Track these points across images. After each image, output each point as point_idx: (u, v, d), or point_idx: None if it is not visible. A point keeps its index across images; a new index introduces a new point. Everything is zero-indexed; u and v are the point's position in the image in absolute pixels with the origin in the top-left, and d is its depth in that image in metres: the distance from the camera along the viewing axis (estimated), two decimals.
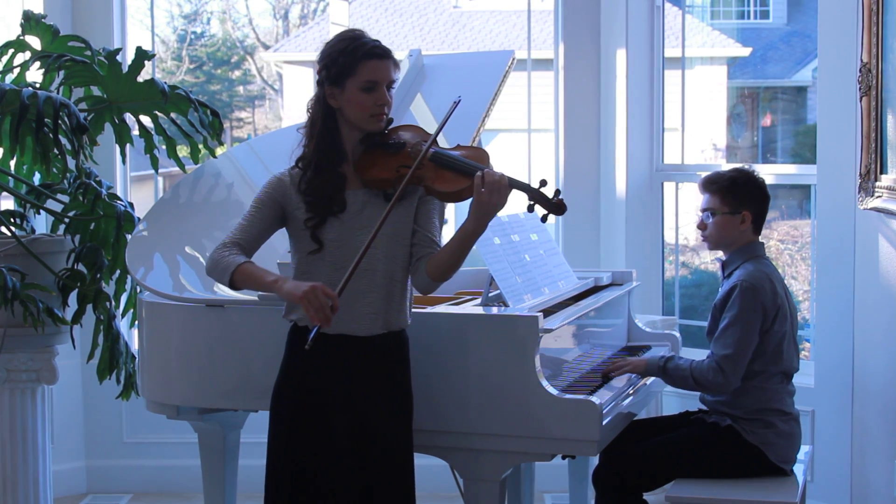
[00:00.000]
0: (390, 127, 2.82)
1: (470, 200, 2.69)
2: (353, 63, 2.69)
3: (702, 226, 3.44)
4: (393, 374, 2.81)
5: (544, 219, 2.73)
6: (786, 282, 3.43)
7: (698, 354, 3.47)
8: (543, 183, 2.71)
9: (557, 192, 2.70)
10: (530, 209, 2.72)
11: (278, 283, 2.64)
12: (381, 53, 2.72)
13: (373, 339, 2.76)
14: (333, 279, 2.68)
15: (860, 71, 3.68)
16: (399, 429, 2.81)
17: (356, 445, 2.74)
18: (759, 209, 3.41)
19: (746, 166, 3.51)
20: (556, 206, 2.69)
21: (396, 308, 2.78)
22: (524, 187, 2.70)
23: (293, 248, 2.82)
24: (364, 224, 2.72)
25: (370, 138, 2.77)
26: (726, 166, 4.84)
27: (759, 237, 3.45)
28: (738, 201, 3.37)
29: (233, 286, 2.71)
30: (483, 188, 2.62)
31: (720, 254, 3.48)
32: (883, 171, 3.61)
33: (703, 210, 3.42)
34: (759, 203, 3.40)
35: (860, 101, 3.72)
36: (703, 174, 3.51)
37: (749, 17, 6.83)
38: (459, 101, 2.77)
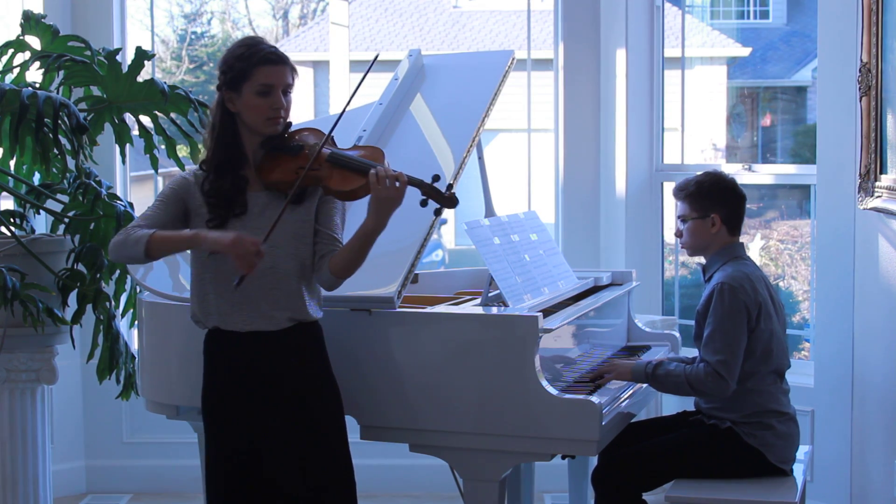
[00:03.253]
0: (291, 130, 2.87)
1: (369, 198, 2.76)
2: (248, 68, 2.76)
3: (678, 233, 3.46)
4: (310, 363, 2.87)
5: (437, 212, 2.84)
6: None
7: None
8: (436, 178, 2.80)
9: (450, 186, 2.81)
10: (423, 203, 2.79)
11: (200, 235, 2.68)
12: (275, 59, 2.79)
13: (283, 332, 2.82)
14: (234, 277, 2.73)
15: (860, 71, 3.68)
16: (329, 414, 2.87)
17: (292, 431, 2.80)
18: (730, 210, 3.40)
19: (716, 169, 3.51)
20: (448, 199, 2.79)
21: (303, 303, 2.84)
22: (417, 183, 2.79)
23: (194, 251, 2.85)
24: (264, 225, 2.77)
25: (270, 142, 2.83)
26: (725, 166, 4.85)
27: (738, 237, 3.44)
28: (705, 205, 3.37)
29: (148, 256, 2.72)
30: (378, 184, 2.70)
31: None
32: (883, 171, 3.61)
33: (678, 217, 3.45)
34: (728, 204, 3.39)
35: (860, 101, 3.72)
36: (724, 172, 3.50)
37: (749, 17, 6.82)
38: (345, 110, 2.86)
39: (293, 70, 2.82)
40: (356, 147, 2.93)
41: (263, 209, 2.80)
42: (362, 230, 2.74)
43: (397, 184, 2.70)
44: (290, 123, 2.86)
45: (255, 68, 2.76)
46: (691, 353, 3.61)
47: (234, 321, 2.81)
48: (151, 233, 2.70)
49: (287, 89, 2.81)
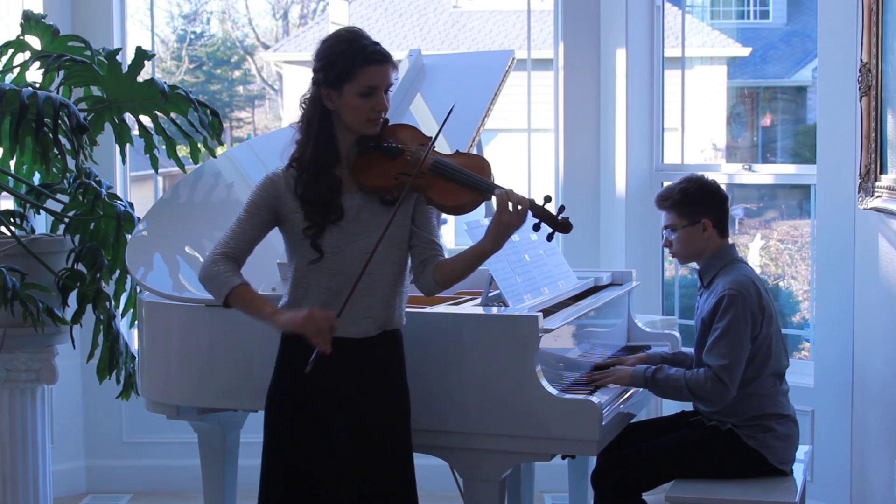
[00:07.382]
0: (385, 127, 2.78)
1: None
2: (352, 68, 2.65)
3: (667, 243, 3.43)
4: (389, 373, 2.81)
5: (549, 237, 2.72)
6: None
7: None
8: (548, 199, 2.69)
9: (562, 208, 2.69)
10: (536, 228, 2.70)
11: (275, 317, 2.65)
12: (380, 59, 2.68)
13: (368, 340, 2.76)
14: (331, 285, 2.69)
15: (860, 71, 3.68)
16: (398, 428, 2.81)
17: (355, 447, 2.74)
18: (718, 213, 3.38)
19: (696, 173, 3.48)
20: (562, 224, 2.68)
21: (391, 310, 2.78)
22: (533, 205, 2.68)
23: (289, 253, 2.79)
24: (360, 230, 2.70)
25: (365, 140, 2.74)
26: (725, 166, 4.85)
27: (728, 239, 3.42)
28: (694, 211, 3.35)
29: (227, 307, 2.70)
30: (503, 209, 2.61)
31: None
32: (883, 171, 3.61)
33: (665, 227, 3.42)
34: (715, 207, 3.37)
35: (860, 101, 3.72)
36: (703, 174, 3.50)
37: (749, 17, 6.83)
38: (453, 108, 2.72)
39: (395, 66, 2.72)
40: (458, 154, 2.79)
41: (359, 212, 2.71)
42: (478, 249, 2.67)
43: (520, 208, 2.61)
44: (387, 121, 2.76)
45: (360, 69, 2.64)
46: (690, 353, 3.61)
47: None
48: (236, 285, 2.65)
49: (388, 88, 2.70)
